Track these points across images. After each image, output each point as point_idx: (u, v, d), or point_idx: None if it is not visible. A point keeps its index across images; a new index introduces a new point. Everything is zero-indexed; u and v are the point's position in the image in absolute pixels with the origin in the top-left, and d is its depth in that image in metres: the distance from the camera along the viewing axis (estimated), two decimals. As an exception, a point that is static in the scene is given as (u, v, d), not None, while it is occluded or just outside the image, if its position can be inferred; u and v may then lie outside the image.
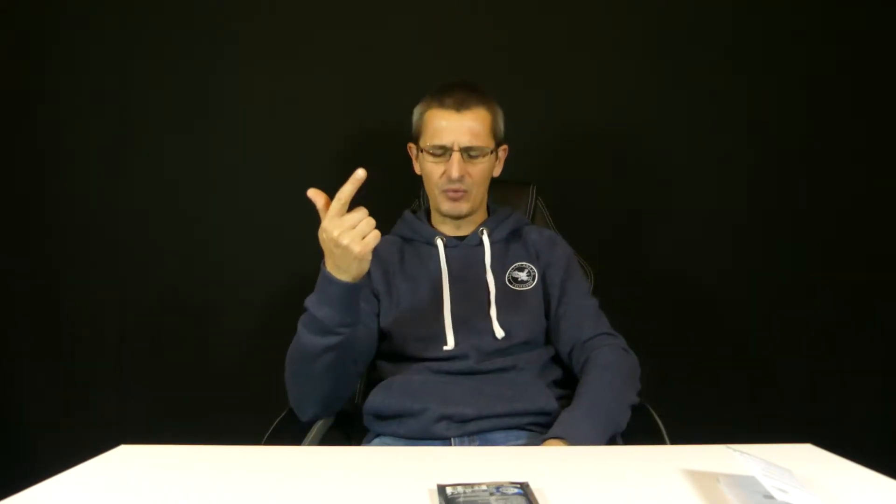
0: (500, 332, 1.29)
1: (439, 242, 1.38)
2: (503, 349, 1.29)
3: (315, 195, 1.06)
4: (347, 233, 1.05)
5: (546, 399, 1.24)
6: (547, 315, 1.36)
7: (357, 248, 1.05)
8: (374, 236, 1.07)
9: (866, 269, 1.97)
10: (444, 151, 1.32)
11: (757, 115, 1.95)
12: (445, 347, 1.28)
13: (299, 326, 1.17)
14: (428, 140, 1.34)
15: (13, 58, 1.93)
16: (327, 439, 1.27)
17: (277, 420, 1.24)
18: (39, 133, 1.94)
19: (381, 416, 1.25)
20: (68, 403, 1.96)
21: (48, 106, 1.94)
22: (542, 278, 1.37)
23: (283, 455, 0.97)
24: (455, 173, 1.31)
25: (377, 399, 1.25)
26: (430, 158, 1.35)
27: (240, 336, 1.97)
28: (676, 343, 1.94)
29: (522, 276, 1.37)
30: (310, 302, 1.15)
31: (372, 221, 1.07)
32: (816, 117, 1.95)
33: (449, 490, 0.74)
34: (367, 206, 1.07)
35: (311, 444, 1.22)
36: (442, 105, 1.33)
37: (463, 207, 1.36)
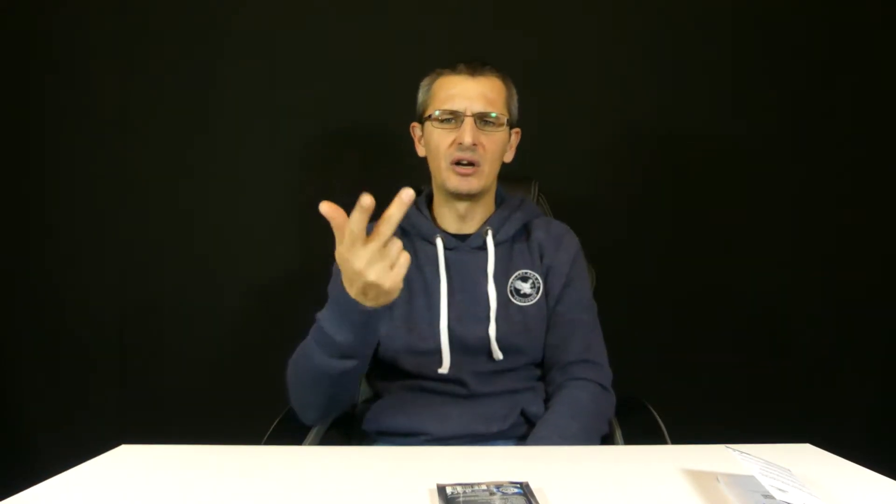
0: (498, 354, 1.21)
1: (439, 243, 1.27)
2: (501, 371, 1.23)
3: (331, 212, 0.87)
4: (374, 266, 0.90)
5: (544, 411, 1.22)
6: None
7: (388, 283, 0.92)
8: (405, 261, 0.92)
9: (866, 269, 1.97)
10: (454, 117, 1.22)
11: (756, 113, 1.95)
12: (440, 370, 1.20)
13: (311, 343, 1.06)
14: (437, 106, 1.23)
15: (13, 57, 1.93)
16: (327, 439, 1.27)
17: (277, 420, 1.24)
18: (39, 133, 1.94)
19: (381, 433, 1.25)
20: (68, 403, 1.97)
21: (48, 106, 1.94)
22: (545, 283, 1.28)
23: (283, 455, 0.97)
24: (468, 139, 1.19)
25: (374, 421, 1.25)
26: (439, 126, 1.23)
27: (240, 336, 1.97)
28: (676, 343, 1.94)
29: (525, 287, 1.26)
30: (325, 322, 1.03)
31: (398, 244, 0.92)
32: (815, 116, 1.95)
33: (449, 490, 0.74)
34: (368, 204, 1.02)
35: (311, 444, 1.22)
36: (454, 70, 1.25)
37: (473, 184, 1.23)
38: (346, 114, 1.93)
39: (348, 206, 0.86)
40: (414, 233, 1.31)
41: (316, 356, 1.05)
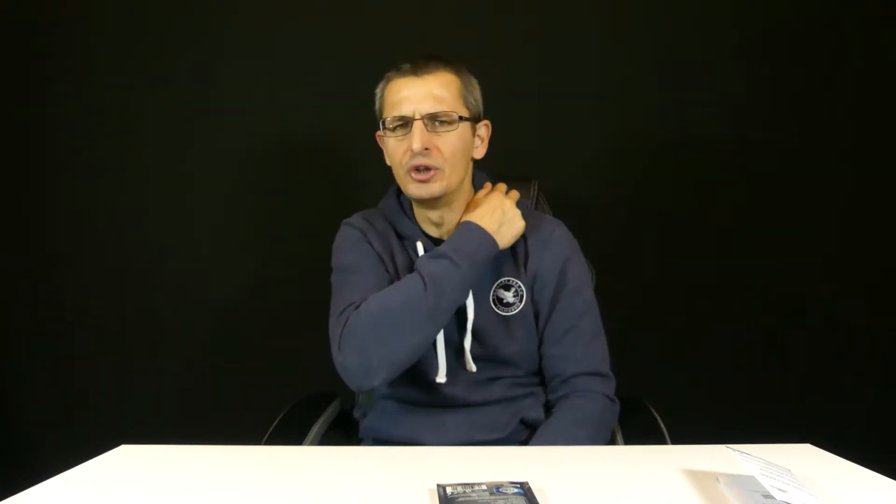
0: (472, 367, 1.18)
1: (420, 247, 1.21)
2: (495, 378, 1.20)
3: None
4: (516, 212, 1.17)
5: (545, 416, 1.21)
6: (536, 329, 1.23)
7: (521, 223, 1.18)
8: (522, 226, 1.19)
9: (866, 269, 1.97)
10: (405, 123, 1.14)
11: (756, 113, 1.95)
12: (438, 379, 1.17)
13: (443, 273, 1.10)
14: (388, 114, 1.17)
15: (13, 57, 1.93)
16: (327, 439, 1.27)
17: (277, 420, 1.24)
18: (39, 133, 1.94)
19: (377, 441, 1.24)
20: (68, 403, 1.97)
21: (48, 106, 1.94)
22: (531, 291, 1.21)
23: (283, 455, 0.97)
24: (417, 144, 1.12)
25: (370, 429, 1.24)
26: (392, 136, 1.16)
27: (240, 336, 1.97)
28: (676, 343, 1.94)
29: (508, 296, 1.20)
30: (458, 257, 1.11)
31: None
32: (815, 116, 1.95)
33: (449, 490, 0.74)
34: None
35: (311, 444, 1.22)
36: (399, 72, 1.17)
37: (434, 188, 1.15)
38: (346, 113, 1.92)
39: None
40: (400, 235, 1.26)
41: (447, 286, 1.11)
